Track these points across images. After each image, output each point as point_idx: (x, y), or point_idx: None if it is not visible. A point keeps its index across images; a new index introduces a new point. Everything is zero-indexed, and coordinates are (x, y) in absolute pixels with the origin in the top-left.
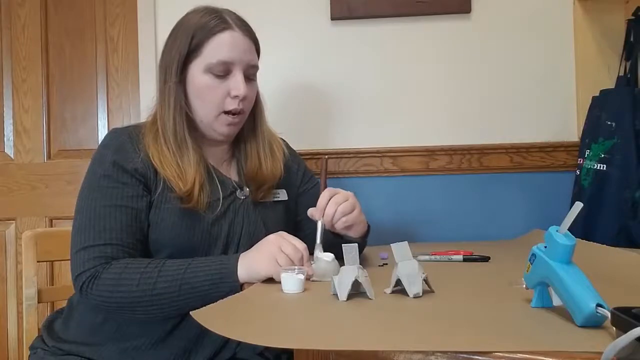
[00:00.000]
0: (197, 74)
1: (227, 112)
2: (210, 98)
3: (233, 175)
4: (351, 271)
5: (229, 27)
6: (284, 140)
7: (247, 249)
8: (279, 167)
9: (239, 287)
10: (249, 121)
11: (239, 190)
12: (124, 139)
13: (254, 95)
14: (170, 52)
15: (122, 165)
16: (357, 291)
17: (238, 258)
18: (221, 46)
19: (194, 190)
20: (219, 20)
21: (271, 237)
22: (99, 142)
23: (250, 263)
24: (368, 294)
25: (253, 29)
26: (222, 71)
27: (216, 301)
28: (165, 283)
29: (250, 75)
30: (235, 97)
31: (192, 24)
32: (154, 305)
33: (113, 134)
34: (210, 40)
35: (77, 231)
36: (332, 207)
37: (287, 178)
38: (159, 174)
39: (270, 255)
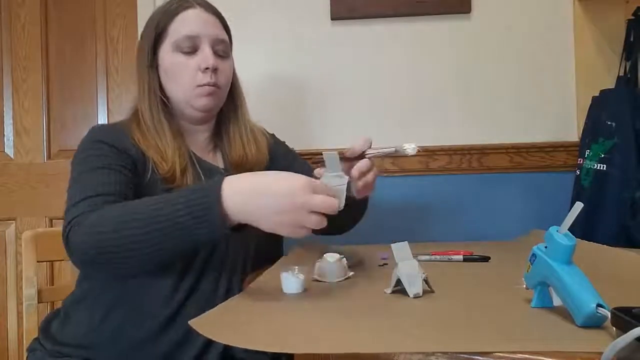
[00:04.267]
0: (167, 55)
1: (201, 86)
2: (182, 75)
3: (219, 164)
4: (325, 180)
5: (190, 5)
6: (267, 132)
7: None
8: (264, 153)
9: (222, 226)
10: (229, 105)
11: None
12: (110, 129)
13: (228, 71)
14: (141, 42)
15: (111, 143)
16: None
17: (220, 190)
18: (184, 22)
19: (175, 168)
20: (181, 2)
21: (297, 198)
22: None
23: (255, 218)
24: (339, 203)
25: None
26: (190, 47)
27: (202, 241)
28: (140, 221)
29: (219, 51)
30: (206, 69)
31: (158, 11)
32: (130, 247)
33: (97, 126)
34: (173, 20)
35: (68, 194)
36: (372, 175)
37: (274, 162)
38: (147, 159)
39: (287, 225)
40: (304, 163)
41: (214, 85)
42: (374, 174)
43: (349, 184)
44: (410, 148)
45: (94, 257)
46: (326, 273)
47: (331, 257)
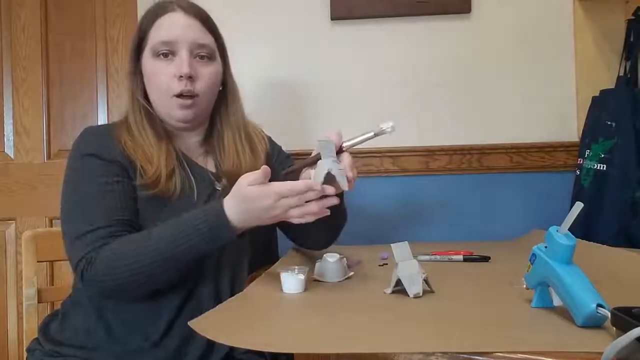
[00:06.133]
0: (147, 62)
1: (178, 96)
2: (159, 82)
3: (209, 167)
4: (325, 164)
5: (170, 9)
6: (264, 134)
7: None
8: (260, 161)
9: (235, 236)
10: (221, 108)
11: (216, 182)
12: (99, 133)
13: (211, 76)
14: (129, 47)
15: (99, 154)
16: (332, 181)
17: (225, 213)
18: (162, 28)
19: (161, 172)
20: (163, 5)
21: (264, 203)
22: None
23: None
24: (341, 185)
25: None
26: (167, 53)
27: (216, 247)
28: (159, 256)
29: (200, 54)
30: (181, 77)
31: (142, 16)
32: (153, 280)
33: (88, 129)
34: (153, 25)
35: (66, 223)
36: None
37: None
38: (135, 164)
39: (276, 217)
40: (287, 159)
41: (190, 95)
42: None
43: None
44: (388, 127)
45: (114, 292)
46: (326, 273)
47: (331, 257)
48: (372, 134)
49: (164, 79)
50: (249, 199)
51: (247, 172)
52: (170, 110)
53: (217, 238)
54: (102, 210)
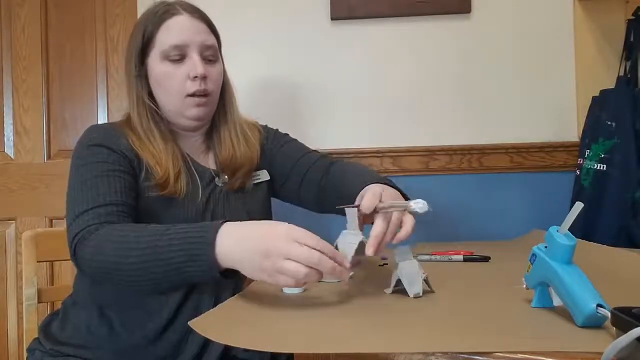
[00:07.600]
0: (155, 65)
1: (191, 95)
2: (171, 85)
3: (211, 165)
4: (355, 236)
5: (176, 12)
6: (260, 124)
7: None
8: (255, 151)
9: (215, 267)
10: (220, 107)
11: (217, 178)
12: (106, 128)
13: (218, 76)
14: (129, 49)
15: (107, 145)
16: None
17: (217, 231)
18: (171, 31)
19: (169, 174)
20: (167, 8)
21: (278, 243)
22: None
23: (239, 262)
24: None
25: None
26: (178, 56)
27: (193, 279)
28: (139, 251)
29: (208, 56)
30: (195, 78)
31: (143, 18)
32: (129, 275)
33: (93, 126)
34: (159, 28)
35: (69, 205)
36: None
37: (264, 156)
38: (141, 161)
39: (267, 270)
40: (283, 137)
41: (204, 93)
42: (400, 222)
43: (362, 243)
44: (418, 207)
45: (101, 277)
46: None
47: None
48: (404, 207)
49: (176, 81)
50: (255, 223)
51: (242, 161)
52: (185, 110)
53: (197, 256)
54: (104, 191)
